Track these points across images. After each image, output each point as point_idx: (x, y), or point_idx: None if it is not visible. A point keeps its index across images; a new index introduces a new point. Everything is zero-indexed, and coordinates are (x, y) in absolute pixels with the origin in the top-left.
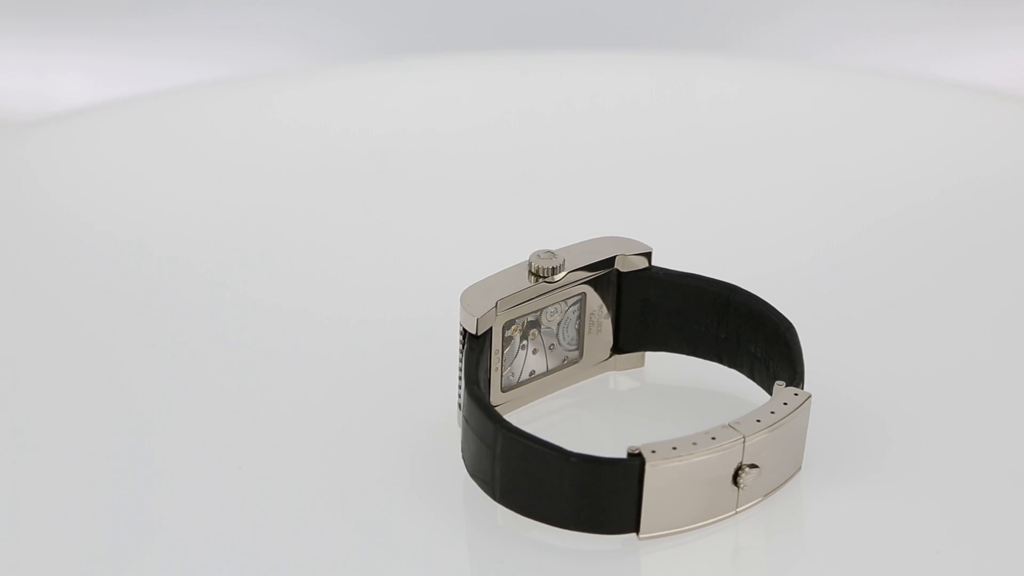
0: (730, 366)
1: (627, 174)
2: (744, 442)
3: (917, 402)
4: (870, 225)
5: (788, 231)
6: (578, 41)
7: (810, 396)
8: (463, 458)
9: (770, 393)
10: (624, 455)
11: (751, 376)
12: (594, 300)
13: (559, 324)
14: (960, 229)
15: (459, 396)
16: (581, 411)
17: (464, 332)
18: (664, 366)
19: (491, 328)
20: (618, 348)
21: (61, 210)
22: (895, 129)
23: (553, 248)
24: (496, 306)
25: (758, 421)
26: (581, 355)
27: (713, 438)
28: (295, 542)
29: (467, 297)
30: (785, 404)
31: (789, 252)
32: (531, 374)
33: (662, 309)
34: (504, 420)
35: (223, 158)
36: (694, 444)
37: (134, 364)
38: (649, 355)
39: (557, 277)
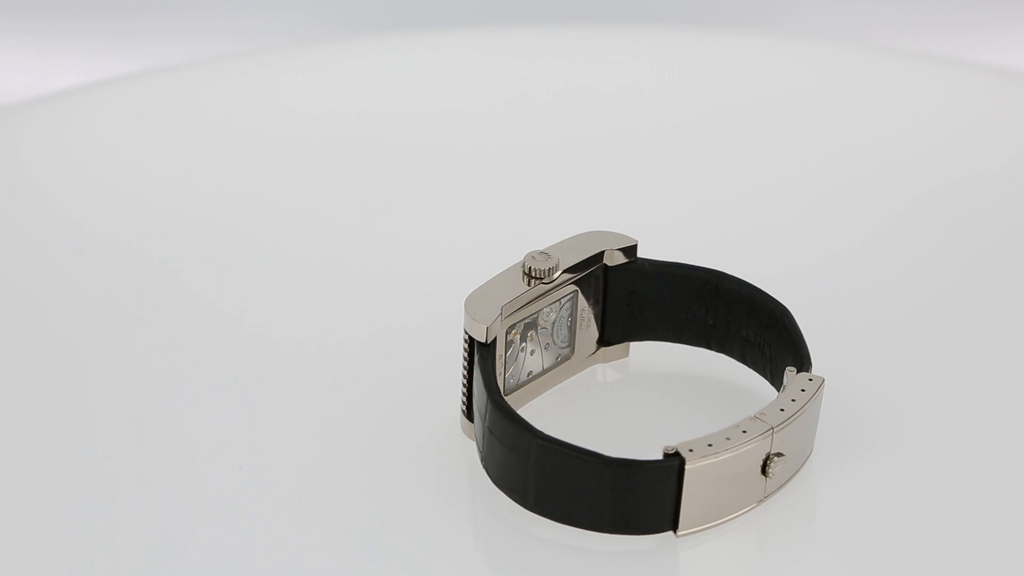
0: (719, 351)
1: (621, 166)
2: (773, 433)
3: (918, 389)
4: (890, 214)
5: (804, 221)
6: (573, 13)
7: (824, 380)
8: (486, 468)
9: (765, 376)
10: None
11: (742, 360)
12: (583, 296)
13: (553, 323)
14: (981, 217)
15: (463, 404)
16: (574, 408)
17: (471, 340)
18: (649, 355)
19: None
20: (604, 340)
21: (40, 195)
22: (911, 111)
23: (537, 247)
24: (501, 312)
25: (782, 410)
26: (572, 351)
27: (744, 431)
28: (307, 548)
29: (472, 305)
30: (803, 391)
31: (801, 241)
32: (529, 375)
33: (649, 299)
34: (537, 430)
35: (205, 143)
36: (727, 439)
37: (136, 365)
38: (634, 345)
39: (554, 277)
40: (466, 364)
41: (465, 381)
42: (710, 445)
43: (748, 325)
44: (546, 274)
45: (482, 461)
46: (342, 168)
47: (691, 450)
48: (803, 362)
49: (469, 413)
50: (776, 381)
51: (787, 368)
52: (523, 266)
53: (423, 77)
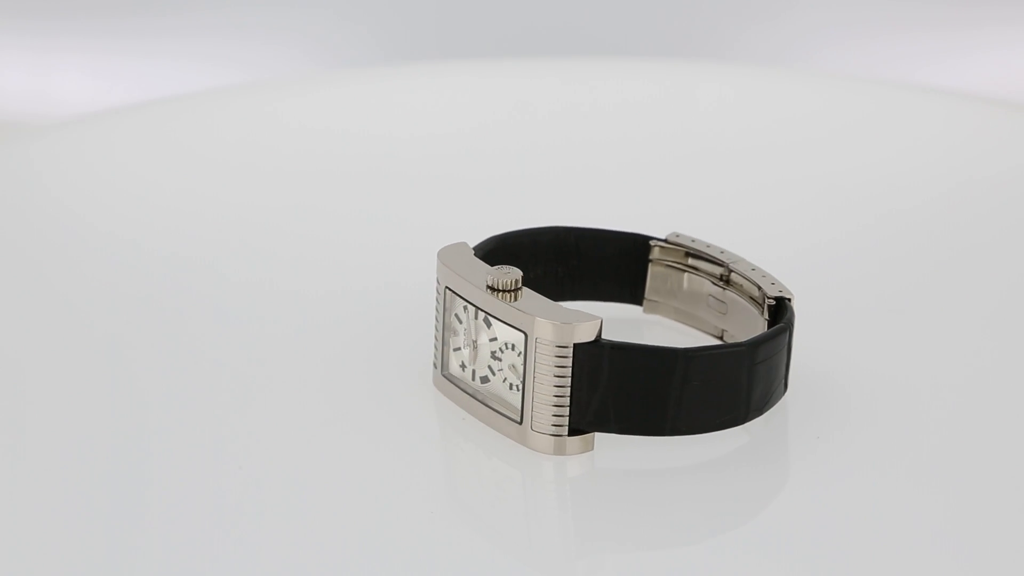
0: None
1: (626, 174)
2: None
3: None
4: (862, 225)
5: (778, 229)
6: (578, 50)
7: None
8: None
9: (568, 297)
10: None
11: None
12: None
13: None
14: (949, 231)
15: (558, 424)
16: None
17: (574, 349)
18: None
19: None
20: None
21: (72, 213)
22: (891, 135)
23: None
24: None
25: (723, 251)
26: None
27: (753, 269)
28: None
29: (561, 316)
30: (693, 240)
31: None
32: None
33: None
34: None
35: (229, 160)
36: (763, 276)
37: (143, 365)
38: None
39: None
40: (563, 378)
41: (565, 396)
42: (773, 283)
43: (534, 267)
44: (514, 284)
45: (671, 430)
46: (360, 177)
47: (780, 290)
48: (643, 238)
49: (579, 428)
50: (580, 293)
51: (650, 242)
52: (489, 284)
53: (433, 101)
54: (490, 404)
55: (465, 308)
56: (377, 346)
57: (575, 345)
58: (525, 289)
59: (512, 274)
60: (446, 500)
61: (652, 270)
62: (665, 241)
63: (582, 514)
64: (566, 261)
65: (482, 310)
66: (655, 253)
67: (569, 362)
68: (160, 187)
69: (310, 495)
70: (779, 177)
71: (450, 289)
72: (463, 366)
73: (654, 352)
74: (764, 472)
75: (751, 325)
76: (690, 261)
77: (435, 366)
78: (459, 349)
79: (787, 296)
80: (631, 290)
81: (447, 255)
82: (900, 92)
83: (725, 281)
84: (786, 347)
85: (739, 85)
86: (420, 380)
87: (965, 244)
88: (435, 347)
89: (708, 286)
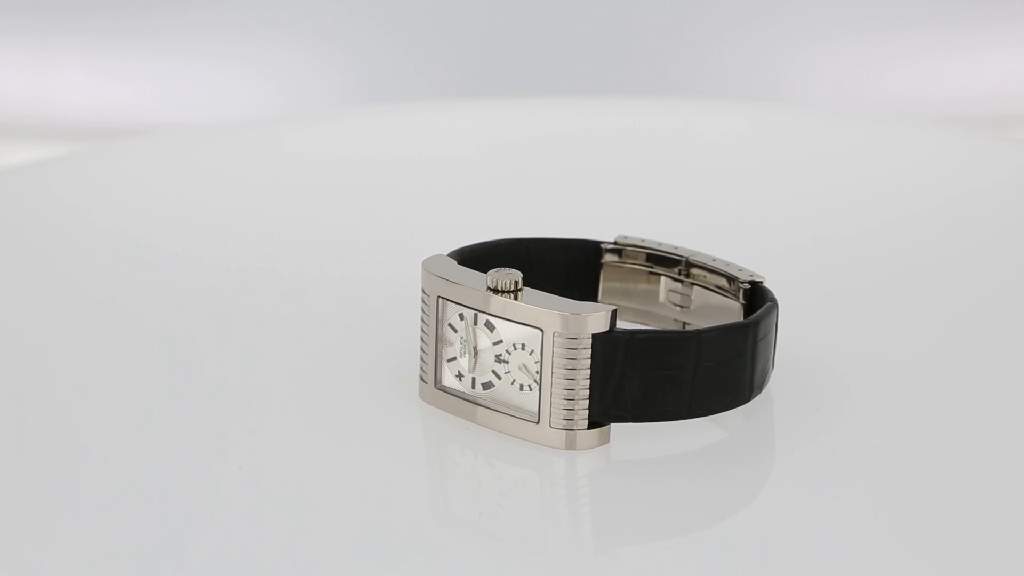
0: None
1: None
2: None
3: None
4: (793, 244)
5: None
6: (583, 90)
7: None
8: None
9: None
10: None
11: None
12: None
13: None
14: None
15: (576, 417)
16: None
17: (592, 339)
18: None
19: None
20: None
21: (104, 228)
22: (858, 160)
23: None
24: None
25: (677, 247)
26: None
27: (714, 259)
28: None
29: (569, 307)
30: (643, 240)
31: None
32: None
33: None
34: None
35: (256, 182)
36: (727, 264)
37: (146, 368)
38: None
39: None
40: (582, 371)
41: (585, 388)
42: (740, 269)
43: None
44: (515, 284)
45: (687, 414)
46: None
47: (751, 274)
48: (594, 243)
49: (596, 420)
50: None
51: (601, 246)
52: (490, 286)
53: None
54: (497, 409)
55: (461, 316)
56: (363, 359)
57: (592, 336)
58: (526, 288)
59: (512, 275)
60: (463, 504)
61: (605, 274)
62: (615, 244)
63: (602, 510)
64: (520, 271)
65: (485, 313)
66: (607, 257)
67: (587, 353)
68: (165, 196)
69: (318, 504)
70: (730, 197)
71: (443, 298)
72: (460, 376)
73: (669, 336)
74: (775, 455)
75: (720, 313)
76: (645, 261)
77: (423, 380)
78: (454, 359)
79: (759, 279)
80: (583, 296)
81: (433, 265)
82: (868, 122)
83: (685, 275)
84: (775, 324)
85: (740, 116)
86: (407, 394)
87: (906, 266)
88: (423, 360)
89: (668, 282)
